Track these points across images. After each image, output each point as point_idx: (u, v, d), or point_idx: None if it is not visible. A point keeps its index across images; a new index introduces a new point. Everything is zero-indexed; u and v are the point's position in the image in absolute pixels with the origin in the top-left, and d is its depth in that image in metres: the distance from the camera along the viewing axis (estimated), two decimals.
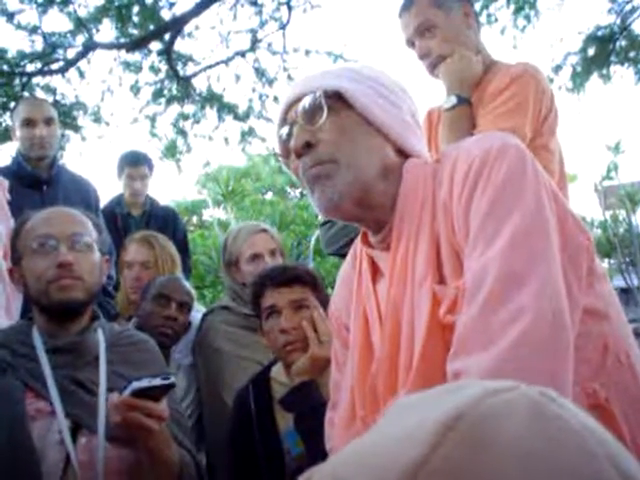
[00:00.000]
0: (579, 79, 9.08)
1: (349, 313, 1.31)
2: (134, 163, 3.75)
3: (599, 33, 8.80)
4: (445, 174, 1.10)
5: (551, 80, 9.03)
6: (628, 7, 8.56)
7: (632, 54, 8.94)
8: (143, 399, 1.45)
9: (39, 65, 7.34)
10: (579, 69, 9.02)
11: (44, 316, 1.69)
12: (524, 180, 1.02)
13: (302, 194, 20.41)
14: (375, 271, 1.25)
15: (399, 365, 1.10)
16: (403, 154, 1.20)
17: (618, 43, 8.86)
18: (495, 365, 0.91)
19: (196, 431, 2.43)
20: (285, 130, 1.23)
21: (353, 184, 1.13)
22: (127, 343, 1.81)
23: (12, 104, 6.76)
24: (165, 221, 3.71)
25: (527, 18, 8.53)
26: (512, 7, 8.45)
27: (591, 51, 8.91)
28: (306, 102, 1.17)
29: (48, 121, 3.03)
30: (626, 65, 9.01)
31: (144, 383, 1.45)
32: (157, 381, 1.46)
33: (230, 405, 2.27)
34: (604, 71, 9.05)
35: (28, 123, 3.00)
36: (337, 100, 1.16)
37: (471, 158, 1.06)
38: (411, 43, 2.07)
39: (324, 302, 1.96)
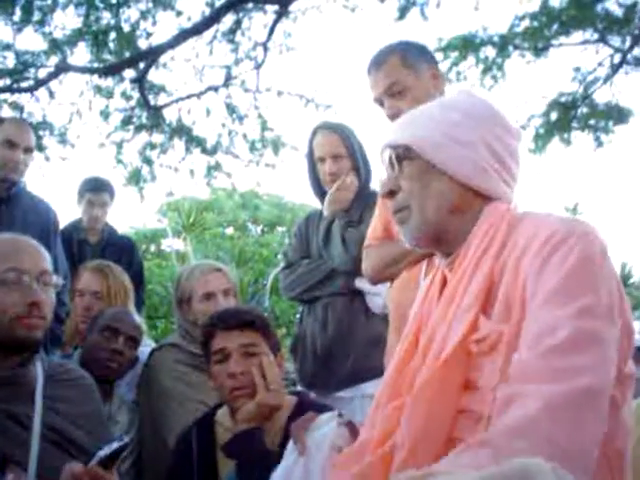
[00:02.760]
0: (541, 141, 9.35)
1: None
2: (95, 189, 3.71)
3: (562, 99, 9.11)
4: (523, 235, 1.20)
5: None
6: (590, 77, 8.89)
7: (592, 122, 9.26)
8: (103, 466, 1.44)
9: (8, 82, 7.28)
10: (542, 131, 9.30)
11: None
12: (602, 269, 1.12)
13: (263, 231, 20.41)
14: (443, 288, 1.36)
15: (419, 374, 1.22)
16: (480, 193, 1.30)
17: (580, 110, 9.18)
18: (557, 400, 1.00)
19: (134, 470, 2.37)
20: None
21: (422, 226, 1.30)
22: (65, 378, 1.77)
23: None
24: (122, 251, 3.66)
25: (494, 79, 8.79)
26: (481, 67, 8.70)
27: (554, 115, 9.21)
28: (386, 155, 1.35)
29: (28, 150, 3.01)
30: (586, 131, 9.32)
31: (106, 451, 1.45)
32: (115, 445, 1.46)
33: (171, 444, 2.23)
34: (565, 135, 9.35)
35: (10, 144, 2.95)
36: (411, 150, 1.31)
37: (554, 228, 1.15)
38: (380, 102, 2.10)
39: (274, 348, 1.97)
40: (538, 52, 8.58)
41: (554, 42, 8.56)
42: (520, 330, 1.11)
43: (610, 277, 1.13)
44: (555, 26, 8.17)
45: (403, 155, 1.32)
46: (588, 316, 1.06)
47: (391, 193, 1.34)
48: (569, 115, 9.12)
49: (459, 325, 1.19)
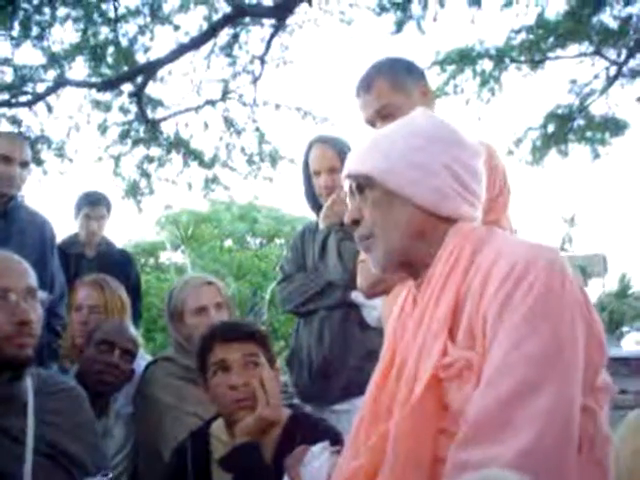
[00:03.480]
0: (538, 153, 9.40)
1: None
2: (92, 203, 3.72)
3: (559, 111, 9.16)
4: (486, 259, 1.20)
5: (511, 152, 9.32)
6: (587, 89, 8.95)
7: (589, 133, 9.31)
8: None
9: (6, 96, 7.31)
10: (539, 144, 9.34)
11: None
12: (562, 300, 1.12)
13: (261, 244, 20.43)
14: (415, 306, 1.38)
15: (396, 400, 1.24)
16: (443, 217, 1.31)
17: (576, 122, 9.23)
18: (516, 460, 1.00)
19: None
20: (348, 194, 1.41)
21: (388, 254, 1.31)
22: (55, 390, 1.77)
23: None
24: (119, 264, 3.66)
25: (491, 91, 8.83)
26: (478, 80, 8.75)
27: (551, 128, 9.26)
28: (348, 185, 1.37)
29: (24, 164, 3.02)
30: (583, 143, 9.37)
31: None
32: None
33: (166, 458, 2.23)
34: (562, 147, 9.40)
35: (5, 160, 2.95)
36: (372, 179, 1.32)
37: (514, 260, 1.15)
38: (371, 123, 2.09)
39: (271, 361, 1.96)
40: (535, 65, 8.63)
41: (550, 55, 8.62)
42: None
43: (572, 304, 1.13)
44: (551, 39, 8.23)
45: (364, 184, 1.33)
46: (546, 356, 1.07)
47: (355, 222, 1.35)
48: (566, 127, 9.17)
49: (430, 354, 1.20)
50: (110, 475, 1.48)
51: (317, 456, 1.36)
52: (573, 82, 8.94)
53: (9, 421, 1.58)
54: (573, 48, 8.49)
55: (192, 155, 8.25)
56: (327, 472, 1.33)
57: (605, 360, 1.18)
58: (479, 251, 1.23)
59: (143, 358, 2.82)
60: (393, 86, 2.05)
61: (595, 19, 7.87)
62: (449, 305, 1.21)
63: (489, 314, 1.13)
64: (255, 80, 7.96)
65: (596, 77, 8.75)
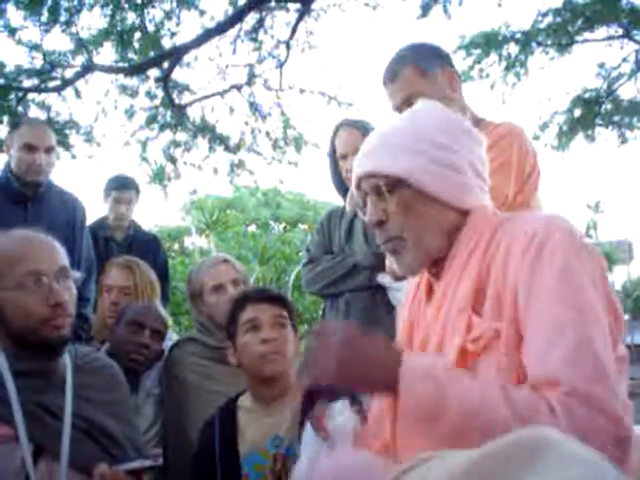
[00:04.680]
0: (564, 138, 9.30)
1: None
2: (121, 187, 3.76)
3: (586, 95, 9.05)
4: (506, 235, 1.23)
5: (537, 137, 9.24)
6: (615, 73, 8.83)
7: (616, 118, 9.19)
8: (130, 475, 1.48)
9: (36, 82, 7.39)
10: (565, 128, 9.25)
11: (13, 340, 1.63)
12: (585, 263, 1.15)
13: (285, 229, 20.48)
14: (430, 293, 1.39)
15: None
16: (467, 211, 1.32)
17: (604, 106, 9.12)
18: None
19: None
20: (359, 195, 1.40)
21: (419, 258, 1.31)
22: (93, 367, 1.79)
23: (5, 118, 6.79)
24: (147, 247, 3.70)
25: (517, 75, 8.75)
26: (503, 64, 8.66)
27: (577, 112, 9.15)
28: (371, 184, 1.33)
29: (49, 150, 3.04)
30: (610, 128, 9.26)
31: (137, 464, 1.50)
32: (147, 463, 1.51)
33: (193, 437, 2.28)
34: (589, 132, 9.29)
35: (29, 148, 2.99)
36: (402, 180, 1.29)
37: (533, 230, 1.18)
38: (399, 110, 2.07)
39: (294, 327, 2.09)
40: (562, 48, 8.53)
41: (578, 38, 8.51)
42: (517, 329, 1.15)
43: (594, 268, 1.17)
44: (579, 22, 8.12)
45: (392, 184, 1.30)
46: (585, 320, 1.10)
47: (380, 223, 1.33)
48: (593, 112, 9.06)
49: (457, 328, 1.22)
50: (160, 460, 1.52)
51: (338, 414, 1.37)
52: (601, 66, 8.83)
53: (48, 397, 1.61)
54: (601, 31, 8.38)
55: (218, 140, 8.29)
56: (354, 428, 1.34)
57: (622, 330, 1.20)
58: (498, 231, 1.26)
59: (171, 339, 2.87)
60: (419, 73, 2.04)
61: (624, 1, 7.75)
62: (472, 281, 1.22)
63: (519, 283, 1.15)
64: (280, 65, 7.96)
65: (625, 60, 8.63)
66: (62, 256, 1.69)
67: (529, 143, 2.06)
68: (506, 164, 1.95)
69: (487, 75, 8.73)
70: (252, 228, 20.09)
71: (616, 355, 1.15)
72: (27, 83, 7.38)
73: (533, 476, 0.42)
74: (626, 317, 17.71)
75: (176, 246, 19.04)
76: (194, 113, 8.41)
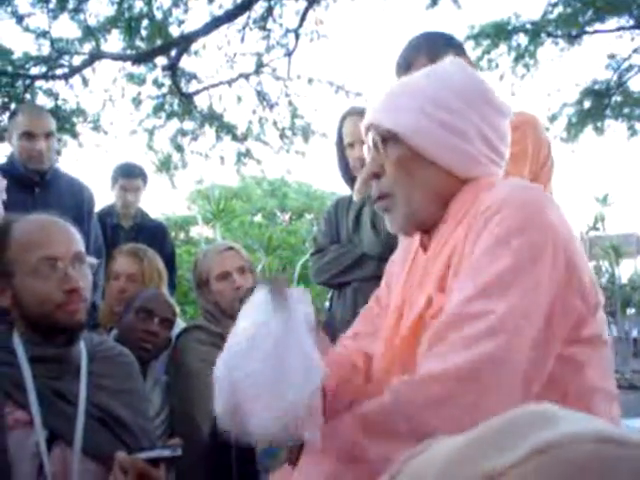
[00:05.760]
0: (574, 130, 9.26)
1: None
2: (128, 175, 3.76)
3: (596, 87, 9.00)
4: (477, 206, 1.18)
5: (546, 129, 9.16)
6: (625, 65, 8.77)
7: (626, 110, 9.14)
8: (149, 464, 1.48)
9: (44, 69, 7.39)
10: (574, 120, 9.20)
11: (29, 326, 1.64)
12: (530, 236, 1.07)
13: (291, 219, 20.47)
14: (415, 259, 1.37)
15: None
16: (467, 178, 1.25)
17: (613, 98, 9.07)
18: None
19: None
20: (365, 147, 1.35)
21: (408, 216, 1.27)
22: (107, 355, 1.79)
23: (13, 105, 6.79)
24: (154, 235, 3.70)
25: (526, 67, 8.71)
26: (513, 55, 8.62)
27: (587, 104, 9.11)
28: (371, 137, 1.29)
29: (48, 135, 3.02)
30: (620, 120, 9.21)
31: (156, 454, 1.49)
32: (167, 452, 1.50)
33: (200, 424, 2.28)
34: (598, 124, 9.25)
35: (28, 136, 2.98)
36: (394, 135, 1.24)
37: (492, 200, 1.13)
38: None
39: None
40: (572, 39, 8.48)
41: (588, 29, 8.45)
42: None
43: (543, 242, 1.07)
44: (589, 12, 8.06)
45: (389, 138, 1.25)
46: (492, 294, 1.05)
47: (375, 175, 1.29)
48: (603, 103, 9.01)
49: (414, 305, 1.22)
50: (179, 451, 1.51)
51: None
52: (611, 57, 8.77)
53: (63, 384, 1.61)
54: (612, 22, 8.32)
55: (225, 129, 8.29)
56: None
57: (592, 311, 1.12)
58: (477, 200, 1.19)
59: (180, 327, 2.87)
60: (433, 63, 2.02)
61: None
62: (446, 258, 1.19)
63: (467, 253, 1.13)
64: (289, 54, 7.93)
65: (635, 52, 8.57)
66: (78, 241, 1.69)
67: (543, 133, 2.05)
68: (522, 153, 1.94)
69: (496, 66, 8.70)
70: (258, 218, 20.10)
71: (579, 336, 1.10)
72: (34, 70, 7.38)
73: (554, 426, 0.41)
74: (632, 310, 17.65)
75: (182, 235, 19.08)
76: (201, 102, 8.43)
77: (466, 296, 1.06)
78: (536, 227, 1.08)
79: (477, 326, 1.03)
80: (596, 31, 8.49)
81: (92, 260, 1.74)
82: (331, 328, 2.77)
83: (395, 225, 1.30)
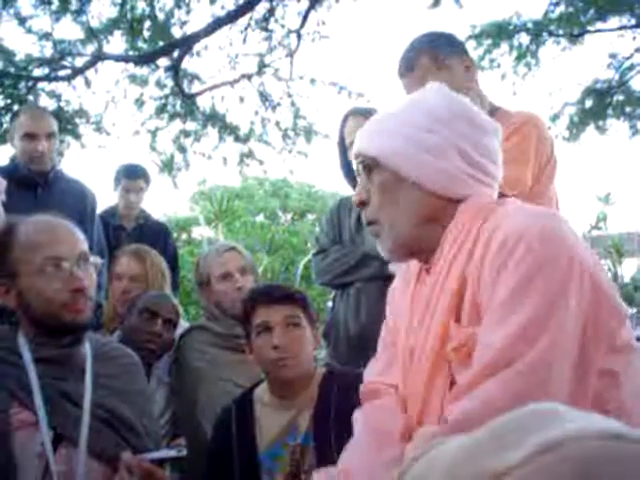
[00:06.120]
0: (575, 129, 9.24)
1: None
2: (131, 176, 3.77)
3: (597, 86, 8.99)
4: (485, 234, 1.16)
5: (548, 128, 9.17)
6: (627, 64, 8.75)
7: (628, 109, 9.12)
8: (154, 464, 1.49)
9: (46, 71, 7.40)
10: (576, 119, 9.18)
11: (35, 326, 1.64)
12: (554, 270, 1.07)
13: (293, 219, 20.48)
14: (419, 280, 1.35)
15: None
16: (454, 199, 1.24)
17: (615, 97, 9.05)
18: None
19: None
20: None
21: (396, 241, 1.26)
22: (112, 357, 1.80)
23: (16, 107, 6.80)
24: (157, 236, 3.71)
25: (528, 66, 8.70)
26: (514, 54, 8.61)
27: (589, 103, 9.09)
28: (355, 164, 1.32)
29: (49, 136, 3.03)
30: (622, 119, 9.19)
31: (162, 454, 1.52)
32: (172, 453, 1.53)
33: (203, 424, 2.29)
34: (600, 123, 9.23)
35: (29, 137, 2.99)
36: (375, 161, 1.26)
37: (510, 230, 1.11)
38: None
39: (313, 322, 2.02)
40: (573, 38, 8.46)
41: (590, 28, 8.43)
42: None
43: (565, 272, 1.07)
44: (591, 11, 8.04)
45: (372, 165, 1.27)
46: (524, 338, 1.05)
47: (362, 203, 1.30)
48: (604, 103, 9.00)
49: (432, 334, 1.19)
50: (184, 452, 1.52)
51: None
52: (613, 56, 8.75)
53: (69, 385, 1.62)
54: (614, 21, 8.30)
55: (228, 129, 8.29)
56: None
57: (622, 322, 1.13)
58: (485, 224, 1.19)
59: (183, 327, 2.88)
60: (435, 64, 2.02)
61: None
62: (454, 285, 1.17)
63: (487, 285, 1.11)
64: (291, 54, 7.93)
65: (637, 51, 8.55)
66: (82, 241, 1.70)
67: (546, 132, 2.05)
68: (525, 153, 1.94)
69: (498, 65, 8.68)
70: (260, 218, 20.11)
71: (614, 347, 1.11)
72: (37, 72, 7.38)
73: (557, 425, 0.41)
74: (634, 310, 17.64)
75: (184, 236, 19.09)
76: (204, 102, 8.41)
77: (499, 341, 1.06)
78: (559, 259, 1.08)
79: (513, 371, 1.04)
80: (598, 30, 8.47)
81: (97, 260, 1.75)
82: (334, 328, 2.78)
83: (385, 251, 1.30)
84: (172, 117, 8.30)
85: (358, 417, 1.39)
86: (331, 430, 1.80)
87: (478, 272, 1.14)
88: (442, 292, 1.19)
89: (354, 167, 1.35)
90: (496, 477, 0.40)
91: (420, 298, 1.28)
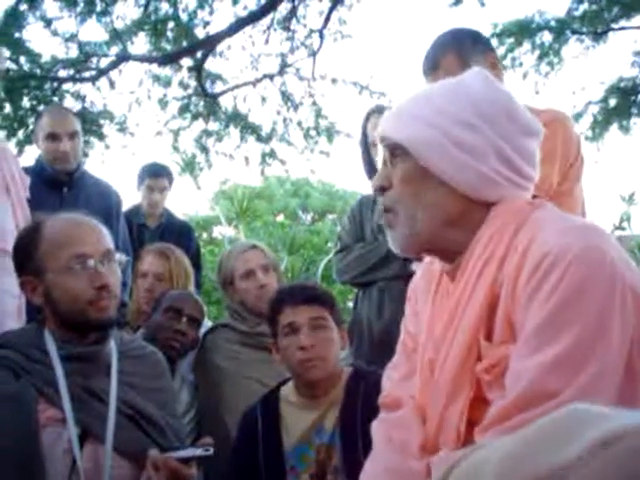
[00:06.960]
0: (599, 128, 9.14)
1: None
2: (155, 175, 3.80)
3: (621, 84, 8.88)
4: (520, 246, 1.07)
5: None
6: None
7: None
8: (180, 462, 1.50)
9: (71, 72, 7.48)
10: (599, 118, 9.09)
11: (60, 323, 1.66)
12: (593, 294, 0.99)
13: (313, 219, 20.48)
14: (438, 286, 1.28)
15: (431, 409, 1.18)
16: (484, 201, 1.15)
17: (639, 96, 8.94)
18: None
19: None
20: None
21: (410, 237, 1.17)
22: (138, 354, 1.81)
23: (41, 108, 6.89)
24: (180, 235, 3.73)
25: (551, 65, 8.62)
26: (537, 53, 8.54)
27: (612, 102, 8.99)
28: (380, 148, 1.22)
29: (72, 135, 3.06)
30: None
31: (188, 453, 1.51)
32: (199, 451, 1.51)
33: (228, 422, 2.30)
34: (624, 122, 9.12)
35: (52, 137, 3.02)
36: (402, 148, 1.16)
37: (547, 248, 1.02)
38: None
39: (339, 322, 2.01)
40: (597, 36, 8.37)
41: (614, 26, 8.34)
42: None
43: (604, 296, 0.99)
44: (615, 9, 7.96)
45: (397, 151, 1.17)
46: (566, 367, 0.97)
47: (381, 189, 1.20)
48: (628, 101, 8.89)
49: (456, 350, 1.12)
50: (211, 451, 1.53)
51: None
52: (637, 54, 8.65)
53: (95, 382, 1.64)
54: (638, 18, 8.21)
55: (250, 129, 8.32)
56: None
57: None
58: (519, 232, 1.09)
59: (206, 326, 2.90)
60: (460, 62, 1.96)
61: None
62: (483, 298, 1.08)
63: (520, 306, 1.04)
64: (313, 54, 7.94)
65: None
66: (107, 239, 1.71)
67: (573, 129, 2.03)
68: (552, 152, 1.91)
69: (520, 64, 8.62)
70: (280, 218, 20.13)
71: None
72: (62, 73, 7.47)
73: (610, 420, 0.41)
74: None
75: (205, 235, 19.16)
76: (226, 102, 8.46)
77: (539, 371, 0.99)
78: (600, 279, 1.00)
79: (554, 404, 0.96)
80: (622, 28, 8.38)
81: (122, 257, 1.77)
82: (356, 328, 2.77)
83: (395, 244, 1.21)
84: (195, 117, 8.35)
85: (376, 429, 1.34)
86: (358, 430, 1.81)
87: (511, 288, 1.05)
88: (469, 306, 1.11)
89: (379, 149, 1.25)
90: (557, 473, 0.39)
91: (443, 307, 1.20)
